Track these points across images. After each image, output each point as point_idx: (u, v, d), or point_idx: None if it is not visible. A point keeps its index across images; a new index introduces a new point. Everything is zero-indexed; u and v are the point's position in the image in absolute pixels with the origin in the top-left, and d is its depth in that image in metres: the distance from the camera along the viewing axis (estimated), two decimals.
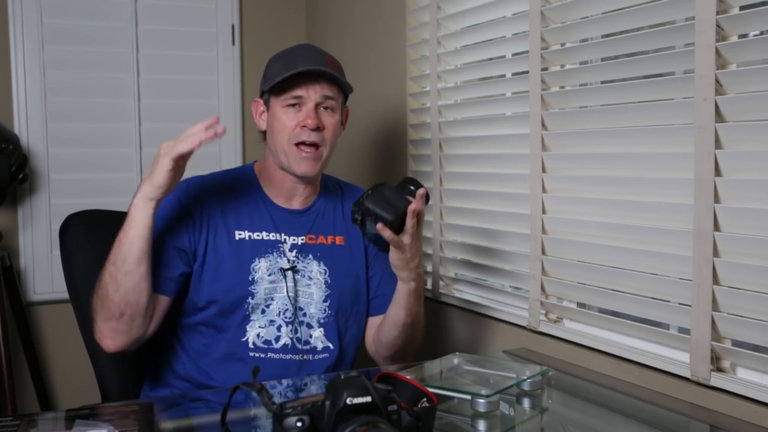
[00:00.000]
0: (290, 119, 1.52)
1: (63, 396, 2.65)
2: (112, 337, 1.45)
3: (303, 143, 1.51)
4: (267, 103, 1.58)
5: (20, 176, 2.39)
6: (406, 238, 1.43)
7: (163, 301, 1.51)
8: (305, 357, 1.55)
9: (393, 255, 1.47)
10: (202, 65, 2.82)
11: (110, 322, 1.44)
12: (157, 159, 1.39)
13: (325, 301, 1.58)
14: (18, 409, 2.39)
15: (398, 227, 1.42)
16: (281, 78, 1.50)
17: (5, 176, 2.32)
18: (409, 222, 1.42)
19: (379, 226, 1.40)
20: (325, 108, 1.53)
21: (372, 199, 1.42)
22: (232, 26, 2.85)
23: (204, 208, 1.55)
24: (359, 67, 2.48)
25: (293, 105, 1.52)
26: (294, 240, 1.58)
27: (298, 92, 1.51)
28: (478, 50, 1.92)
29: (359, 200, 1.43)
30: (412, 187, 1.44)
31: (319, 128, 1.51)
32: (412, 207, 1.41)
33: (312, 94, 1.51)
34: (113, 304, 1.42)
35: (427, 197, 1.46)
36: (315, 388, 1.47)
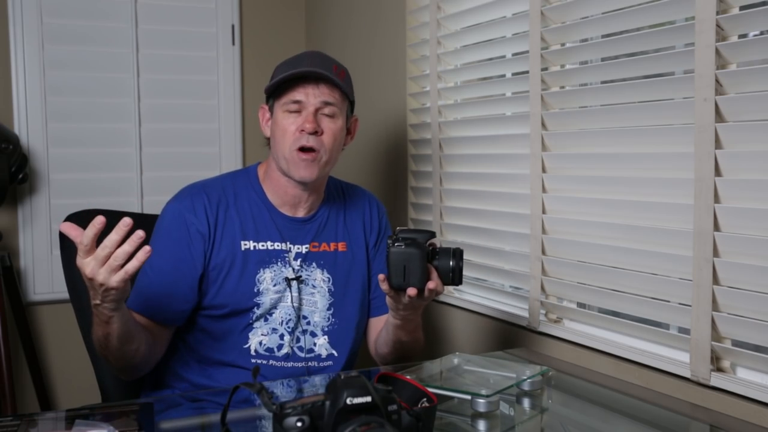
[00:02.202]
0: (290, 123, 1.49)
1: (63, 396, 2.65)
2: (125, 376, 1.50)
3: (302, 148, 1.48)
4: (272, 110, 1.55)
5: (20, 176, 2.39)
6: (404, 299, 1.38)
7: (171, 329, 1.54)
8: (308, 365, 1.54)
9: (387, 299, 1.44)
10: (202, 65, 2.82)
11: (118, 372, 1.48)
12: (94, 290, 1.24)
13: (329, 309, 1.57)
14: (18, 409, 2.39)
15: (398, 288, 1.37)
16: (279, 79, 1.48)
17: (5, 176, 2.31)
18: (408, 295, 1.36)
19: (381, 276, 1.37)
20: (327, 115, 1.50)
21: (396, 252, 1.34)
22: (232, 26, 2.85)
23: (210, 219, 1.52)
24: (359, 67, 2.48)
25: (294, 111, 1.49)
26: (299, 249, 1.57)
27: (298, 96, 1.48)
28: (478, 50, 1.92)
29: (390, 237, 1.36)
30: (451, 262, 1.36)
31: (317, 133, 1.48)
32: (410, 292, 1.34)
33: (312, 98, 1.48)
34: (117, 369, 1.46)
35: (458, 255, 1.37)
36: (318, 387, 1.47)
